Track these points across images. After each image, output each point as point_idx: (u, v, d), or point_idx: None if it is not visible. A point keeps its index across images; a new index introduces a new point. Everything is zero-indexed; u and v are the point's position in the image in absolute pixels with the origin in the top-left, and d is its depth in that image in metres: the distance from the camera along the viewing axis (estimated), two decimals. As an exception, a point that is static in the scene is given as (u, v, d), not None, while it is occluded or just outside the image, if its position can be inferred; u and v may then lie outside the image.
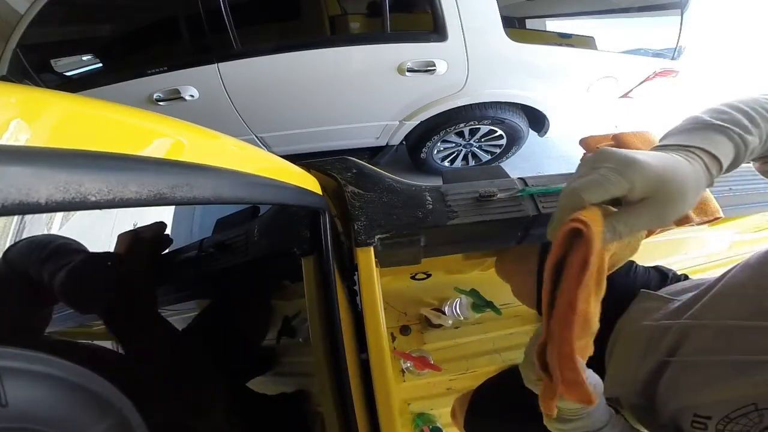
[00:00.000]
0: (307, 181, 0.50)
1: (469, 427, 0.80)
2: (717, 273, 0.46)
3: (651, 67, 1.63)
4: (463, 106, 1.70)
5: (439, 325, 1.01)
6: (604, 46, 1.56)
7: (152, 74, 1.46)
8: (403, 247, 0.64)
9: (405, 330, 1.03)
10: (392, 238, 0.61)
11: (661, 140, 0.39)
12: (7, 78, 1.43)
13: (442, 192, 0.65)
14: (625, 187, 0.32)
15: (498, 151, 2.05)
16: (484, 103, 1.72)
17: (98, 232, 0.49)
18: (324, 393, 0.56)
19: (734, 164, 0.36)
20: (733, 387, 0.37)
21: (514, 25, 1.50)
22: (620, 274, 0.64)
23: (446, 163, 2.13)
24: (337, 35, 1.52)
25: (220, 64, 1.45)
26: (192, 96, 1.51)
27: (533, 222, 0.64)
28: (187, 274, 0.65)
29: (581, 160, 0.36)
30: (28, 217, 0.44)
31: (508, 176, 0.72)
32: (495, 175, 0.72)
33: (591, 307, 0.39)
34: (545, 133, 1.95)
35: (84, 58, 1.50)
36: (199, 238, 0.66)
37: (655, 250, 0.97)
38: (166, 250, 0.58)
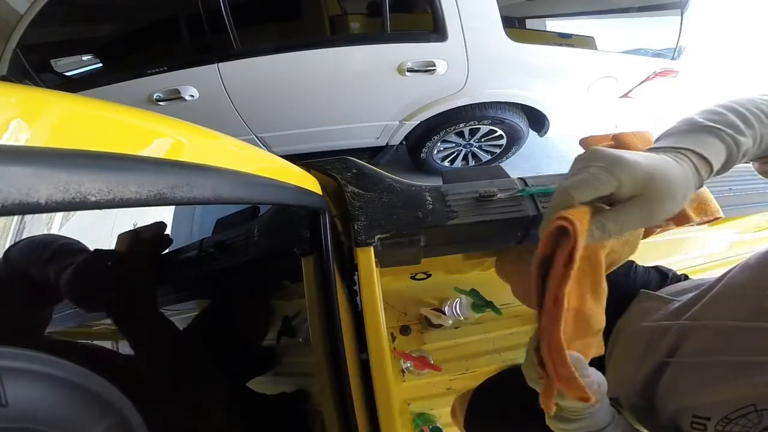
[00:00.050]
0: (307, 181, 0.50)
1: (469, 426, 0.80)
2: (717, 273, 0.46)
3: (651, 67, 1.63)
4: (463, 106, 1.70)
5: (439, 325, 1.01)
6: (604, 46, 1.56)
7: (152, 74, 1.46)
8: (403, 247, 0.64)
9: (405, 330, 1.03)
10: (392, 238, 0.61)
11: (655, 142, 0.39)
12: (7, 78, 1.43)
13: (442, 192, 0.65)
14: (614, 184, 0.32)
15: (498, 151, 2.05)
16: (484, 103, 1.72)
17: (98, 232, 0.48)
18: (324, 393, 0.56)
19: (727, 165, 0.36)
20: (733, 388, 0.37)
21: (514, 25, 1.50)
22: (620, 274, 0.64)
23: (446, 163, 2.13)
24: (337, 35, 1.52)
25: (220, 64, 1.45)
26: (192, 96, 1.51)
27: (533, 222, 0.64)
28: (187, 274, 0.65)
29: (575, 159, 0.37)
30: (28, 217, 0.44)
31: (508, 176, 0.72)
32: (495, 175, 0.72)
33: (588, 304, 0.39)
34: (545, 133, 1.95)
35: (84, 58, 1.50)
36: (199, 238, 0.66)
37: (655, 250, 0.97)
38: (166, 250, 0.58)
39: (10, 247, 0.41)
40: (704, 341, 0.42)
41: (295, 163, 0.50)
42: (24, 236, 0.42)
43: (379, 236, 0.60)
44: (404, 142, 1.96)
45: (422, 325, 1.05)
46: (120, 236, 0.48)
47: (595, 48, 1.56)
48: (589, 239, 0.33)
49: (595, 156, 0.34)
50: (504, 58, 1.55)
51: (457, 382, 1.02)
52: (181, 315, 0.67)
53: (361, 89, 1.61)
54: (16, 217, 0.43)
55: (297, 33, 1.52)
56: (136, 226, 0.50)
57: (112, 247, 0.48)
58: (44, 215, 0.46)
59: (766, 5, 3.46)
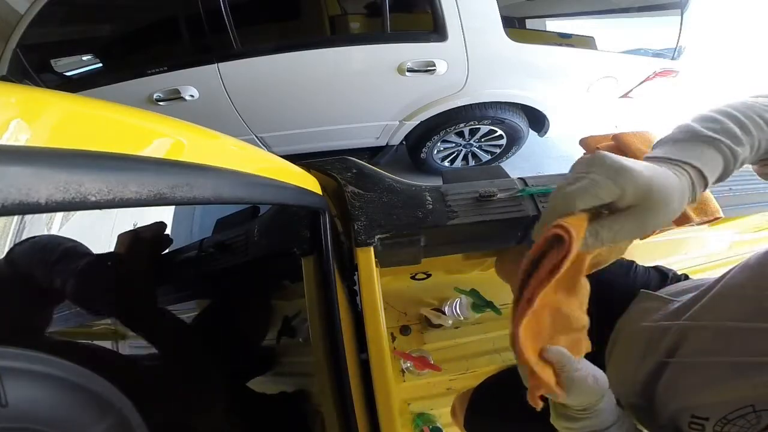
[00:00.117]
0: (307, 181, 0.50)
1: (469, 425, 0.80)
2: (717, 273, 0.46)
3: (651, 67, 1.63)
4: (463, 106, 1.70)
5: (439, 325, 1.01)
6: (604, 46, 1.56)
7: (152, 74, 1.46)
8: (403, 247, 0.64)
9: (405, 330, 1.03)
10: (392, 238, 0.61)
11: (653, 148, 0.39)
12: (7, 78, 1.43)
13: (442, 192, 0.65)
14: (616, 193, 0.32)
15: (498, 151, 2.05)
16: (484, 103, 1.72)
17: (98, 232, 0.48)
18: (324, 393, 0.56)
19: (722, 178, 0.36)
20: (732, 388, 0.37)
21: (514, 25, 1.49)
22: (620, 274, 0.64)
23: (446, 163, 2.13)
24: (337, 35, 1.52)
25: (220, 64, 1.45)
26: (192, 96, 1.51)
27: (533, 222, 0.64)
28: (187, 274, 0.65)
29: (576, 161, 0.37)
30: (28, 217, 0.44)
31: (508, 176, 0.72)
32: (495, 175, 0.72)
33: (563, 303, 0.39)
34: (545, 133, 1.95)
35: (84, 58, 1.50)
36: (199, 238, 0.66)
37: (655, 250, 0.97)
38: (166, 250, 0.58)
39: (14, 247, 0.41)
40: (704, 342, 0.42)
41: (295, 163, 0.50)
42: (24, 236, 0.42)
43: (379, 236, 0.60)
44: (404, 142, 1.96)
45: (422, 325, 1.05)
46: (120, 236, 0.48)
47: (595, 48, 1.56)
48: (583, 247, 0.33)
49: (597, 162, 0.34)
50: (504, 58, 1.55)
51: (457, 382, 1.02)
52: (181, 315, 0.67)
53: (361, 89, 1.61)
54: (16, 217, 0.43)
55: (297, 33, 1.52)
56: (136, 226, 0.50)
57: (112, 247, 0.48)
58: (44, 215, 0.46)
59: (766, 5, 3.46)
